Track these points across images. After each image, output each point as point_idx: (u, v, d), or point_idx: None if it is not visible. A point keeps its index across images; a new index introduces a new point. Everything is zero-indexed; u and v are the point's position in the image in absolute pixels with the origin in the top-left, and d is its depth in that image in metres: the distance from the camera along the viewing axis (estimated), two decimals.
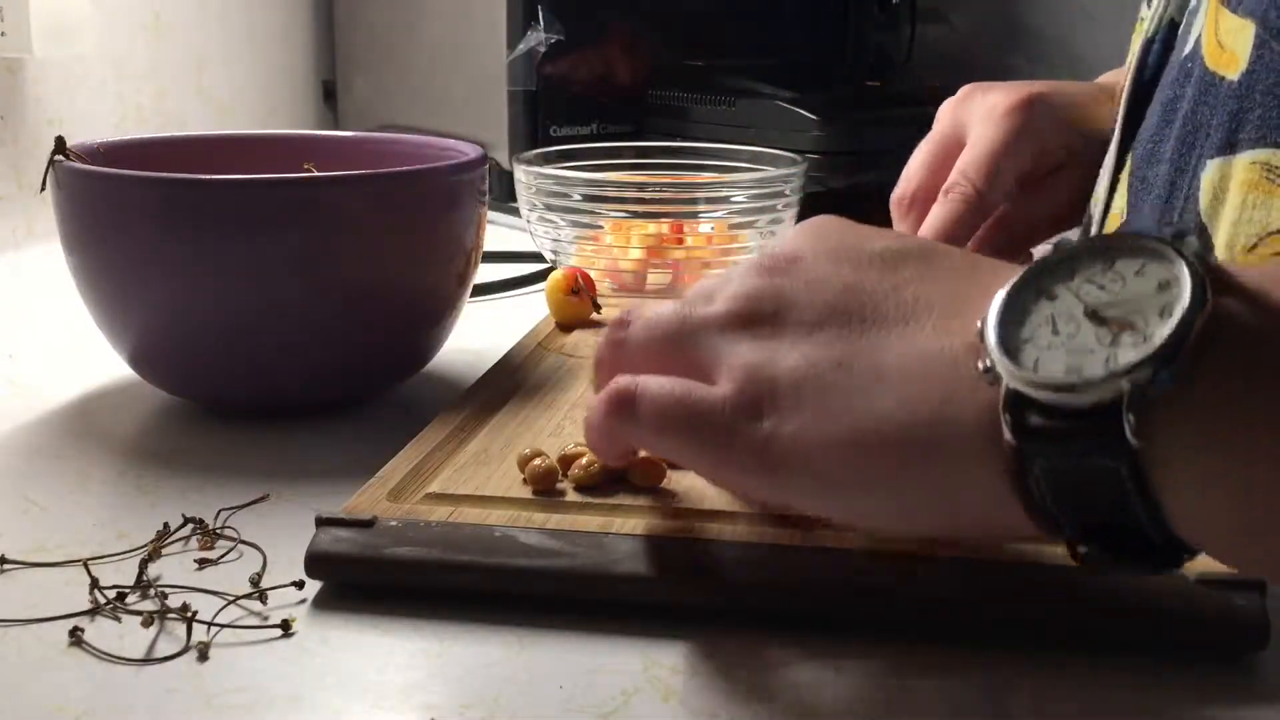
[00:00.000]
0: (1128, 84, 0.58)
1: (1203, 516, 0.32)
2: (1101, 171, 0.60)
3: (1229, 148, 0.49)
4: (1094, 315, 0.32)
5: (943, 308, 0.36)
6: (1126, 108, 0.58)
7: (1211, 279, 0.31)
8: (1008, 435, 0.32)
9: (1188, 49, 0.52)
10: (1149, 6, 0.59)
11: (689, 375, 0.38)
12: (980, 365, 0.33)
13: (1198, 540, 0.32)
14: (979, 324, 0.33)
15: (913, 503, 0.35)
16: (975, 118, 0.68)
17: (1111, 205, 0.58)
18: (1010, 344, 0.32)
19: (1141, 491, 0.31)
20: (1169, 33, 0.56)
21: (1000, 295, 0.34)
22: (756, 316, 0.38)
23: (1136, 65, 0.57)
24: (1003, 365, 0.32)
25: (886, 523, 0.37)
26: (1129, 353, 0.31)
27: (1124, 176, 0.57)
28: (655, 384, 0.39)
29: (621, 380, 0.40)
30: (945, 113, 0.71)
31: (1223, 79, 0.49)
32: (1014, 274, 0.34)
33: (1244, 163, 0.48)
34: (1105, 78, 0.73)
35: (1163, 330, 0.30)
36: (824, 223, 0.41)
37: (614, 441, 0.42)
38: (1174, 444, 0.31)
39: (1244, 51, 0.48)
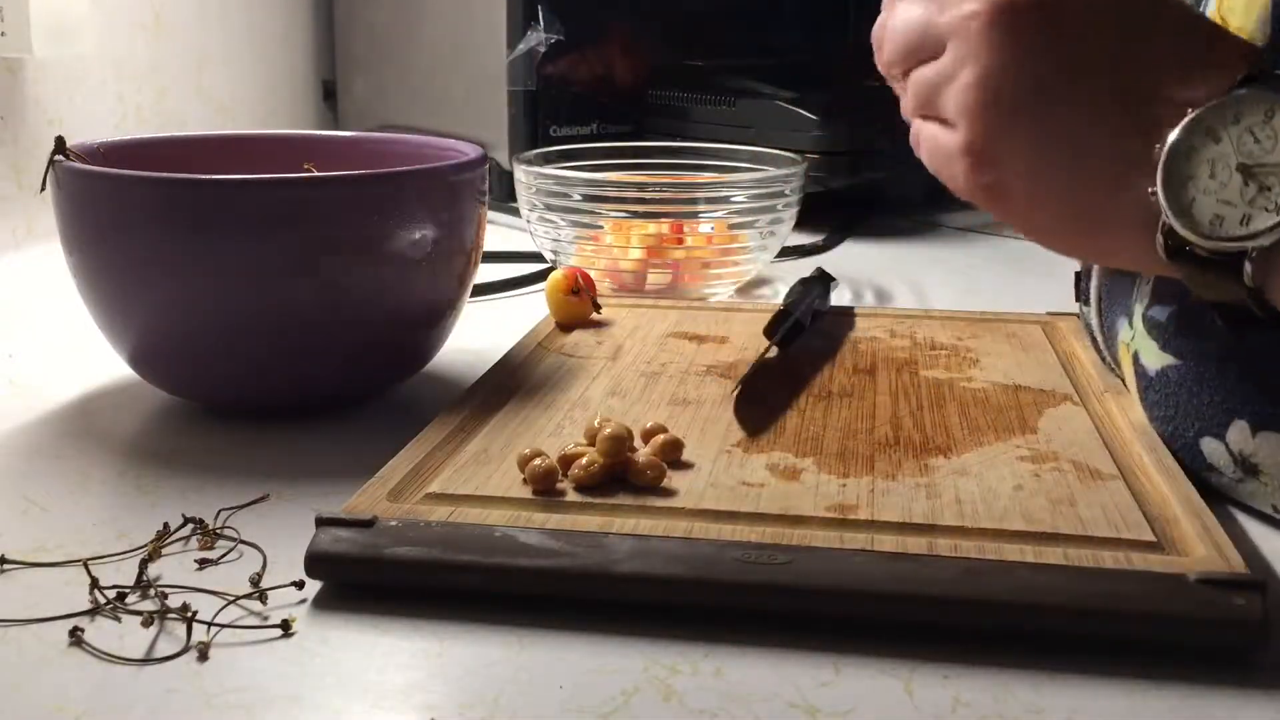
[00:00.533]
0: None
1: None
2: None
3: None
4: (1244, 169, 0.40)
5: (1139, 88, 0.43)
6: None
7: None
8: (1160, 252, 0.42)
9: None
10: None
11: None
12: (1150, 189, 0.42)
13: None
14: (1158, 149, 0.42)
15: (1088, 241, 0.46)
16: None
17: None
18: (1175, 180, 0.41)
19: (1260, 307, 0.41)
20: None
21: (1176, 130, 0.41)
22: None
23: None
24: (1165, 201, 0.41)
25: (1066, 247, 0.49)
26: (1260, 218, 0.40)
27: None
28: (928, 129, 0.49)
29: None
30: None
31: None
32: (1215, 80, 0.42)
33: None
34: None
35: None
36: None
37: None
38: None
39: (1251, 29, 0.48)
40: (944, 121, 0.47)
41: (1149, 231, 0.43)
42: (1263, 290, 0.41)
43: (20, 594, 0.42)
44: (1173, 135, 0.42)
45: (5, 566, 0.44)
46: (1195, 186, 0.41)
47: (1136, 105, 0.43)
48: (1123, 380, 0.58)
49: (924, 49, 0.48)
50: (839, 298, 0.87)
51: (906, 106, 0.50)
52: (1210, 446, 0.50)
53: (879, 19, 0.52)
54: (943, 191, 0.50)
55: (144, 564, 0.44)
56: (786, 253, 0.95)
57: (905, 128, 0.52)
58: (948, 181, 0.48)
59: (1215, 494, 0.51)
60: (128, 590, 0.42)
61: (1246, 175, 0.41)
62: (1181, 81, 0.43)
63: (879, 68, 0.53)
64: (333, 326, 0.56)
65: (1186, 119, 0.42)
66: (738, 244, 0.85)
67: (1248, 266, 0.41)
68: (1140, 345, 0.54)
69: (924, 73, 0.48)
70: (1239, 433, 0.49)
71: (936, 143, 0.48)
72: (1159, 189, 0.42)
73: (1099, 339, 0.61)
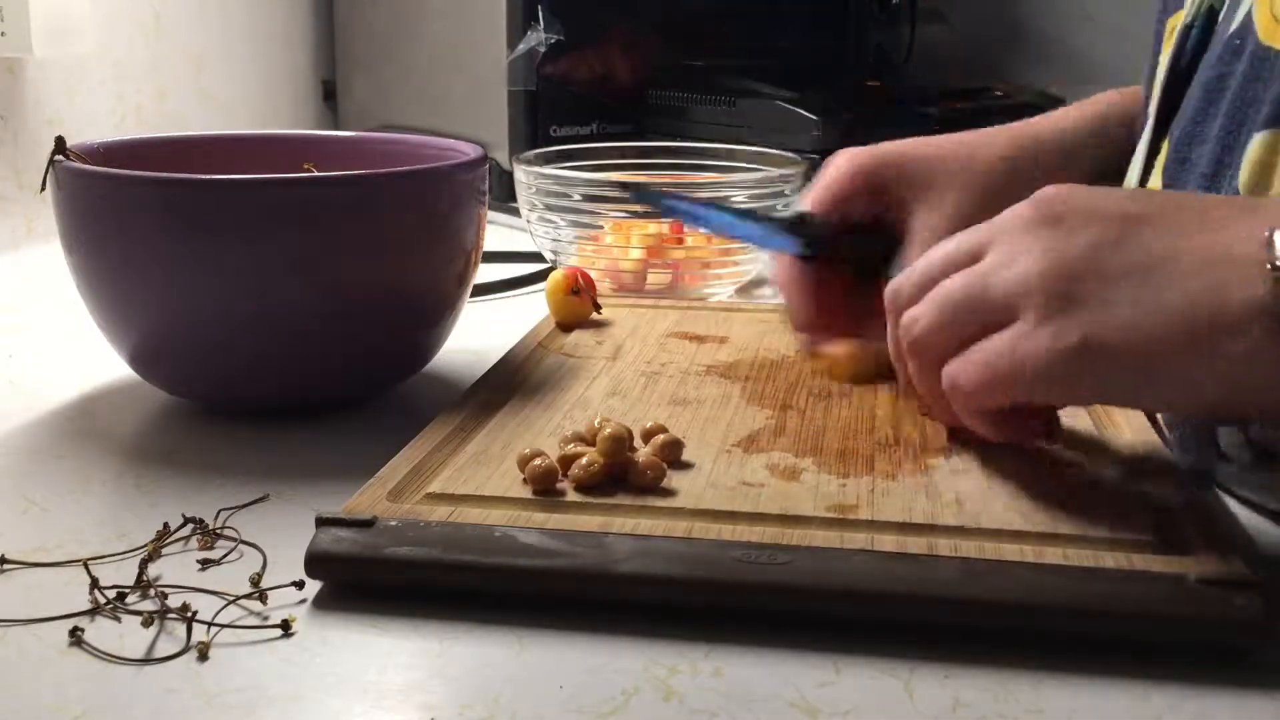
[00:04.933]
0: (1163, 69, 0.58)
1: None
2: (1134, 156, 0.60)
3: (1277, 121, 0.49)
4: None
5: (1215, 213, 0.42)
6: (1163, 92, 0.58)
7: None
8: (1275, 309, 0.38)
9: (1234, 27, 0.52)
10: None
11: (986, 328, 0.44)
12: (1269, 265, 0.39)
13: None
14: (1267, 233, 0.40)
15: (1204, 377, 0.40)
16: (824, 174, 0.66)
17: (1147, 187, 0.58)
18: None
19: None
20: (1208, 18, 0.56)
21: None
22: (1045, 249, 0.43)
23: (1174, 51, 0.57)
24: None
25: (1180, 400, 0.44)
26: None
27: (1159, 160, 0.57)
28: (963, 365, 0.44)
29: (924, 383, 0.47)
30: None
31: (1277, 52, 0.49)
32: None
33: None
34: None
35: None
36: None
37: (953, 419, 0.48)
38: None
39: None
40: (986, 331, 0.44)
41: (1269, 330, 0.39)
42: None
43: (20, 594, 0.42)
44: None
45: (5, 566, 0.44)
46: None
47: (1210, 236, 0.41)
48: None
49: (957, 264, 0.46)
50: None
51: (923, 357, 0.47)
52: (1227, 437, 0.50)
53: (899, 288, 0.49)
54: None
55: (144, 564, 0.44)
56: None
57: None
58: (1016, 384, 0.43)
59: (1221, 487, 0.51)
60: (128, 590, 0.42)
61: None
62: (1250, 211, 0.42)
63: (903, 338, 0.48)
64: (333, 326, 0.56)
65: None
66: (738, 244, 0.85)
67: None
68: None
69: (957, 278, 0.46)
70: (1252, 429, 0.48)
71: (993, 349, 0.43)
72: (1274, 242, 0.39)
73: None
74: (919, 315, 0.46)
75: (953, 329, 0.45)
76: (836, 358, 0.60)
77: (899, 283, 0.49)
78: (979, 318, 0.44)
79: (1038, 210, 0.44)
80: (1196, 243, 0.41)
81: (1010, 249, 0.44)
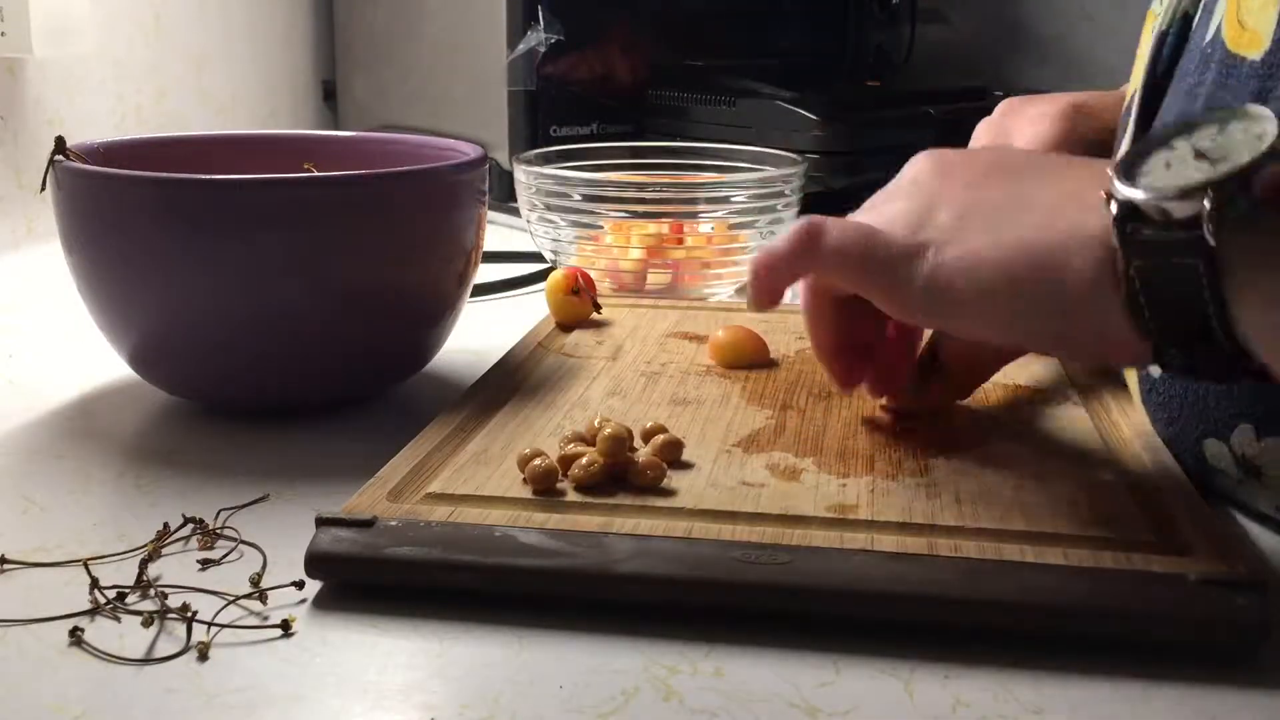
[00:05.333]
0: (1141, 76, 0.59)
1: (1263, 328, 0.38)
2: (1115, 157, 0.60)
3: None
4: (1199, 154, 0.40)
5: (1073, 168, 0.46)
6: (1142, 99, 0.58)
7: None
8: (1115, 242, 0.40)
9: (1208, 36, 0.53)
10: (1161, 1, 0.59)
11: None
12: (1103, 193, 0.41)
13: (1257, 350, 0.39)
14: (1108, 170, 0.41)
15: (1040, 309, 0.43)
16: (1020, 128, 0.69)
17: None
18: (1131, 174, 0.40)
19: (1214, 292, 0.38)
20: (1183, 25, 0.56)
21: (1124, 149, 0.42)
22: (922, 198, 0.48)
23: (1150, 58, 0.57)
24: (1121, 186, 0.40)
25: (1017, 332, 0.46)
26: (1203, 169, 0.38)
27: None
28: (839, 223, 0.48)
29: (811, 219, 0.49)
30: (984, 130, 0.72)
31: (1244, 59, 0.50)
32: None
33: None
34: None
35: (1245, 158, 0.38)
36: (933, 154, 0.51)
37: (786, 275, 0.50)
38: (1246, 258, 0.38)
39: (1267, 30, 0.49)
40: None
41: (1106, 247, 0.41)
42: (1220, 258, 0.38)
43: (20, 594, 0.42)
44: (1123, 147, 0.42)
45: (5, 566, 0.44)
46: (1150, 175, 0.40)
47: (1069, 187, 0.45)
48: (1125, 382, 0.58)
49: None
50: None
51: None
52: (1214, 449, 0.50)
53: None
54: None
55: (144, 564, 0.44)
56: None
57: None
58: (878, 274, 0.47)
59: (1216, 495, 0.51)
60: (128, 590, 0.42)
61: (1201, 157, 0.40)
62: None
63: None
64: (333, 326, 0.56)
65: (1135, 143, 0.43)
66: (738, 244, 0.85)
67: (1209, 226, 0.38)
68: None
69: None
70: (1243, 436, 0.49)
71: (860, 228, 0.48)
72: (1114, 180, 0.41)
73: None
74: (831, 226, 0.49)
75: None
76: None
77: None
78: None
79: (931, 162, 0.50)
80: (1050, 189, 0.45)
81: (904, 192, 0.49)
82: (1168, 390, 0.52)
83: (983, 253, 0.44)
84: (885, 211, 0.48)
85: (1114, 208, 0.40)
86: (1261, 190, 0.37)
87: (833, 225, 0.48)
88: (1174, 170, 0.40)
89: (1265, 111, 0.39)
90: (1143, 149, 0.41)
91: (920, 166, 0.50)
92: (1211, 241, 0.38)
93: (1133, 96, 0.60)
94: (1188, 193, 0.38)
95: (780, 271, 0.50)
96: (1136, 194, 0.40)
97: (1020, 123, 0.69)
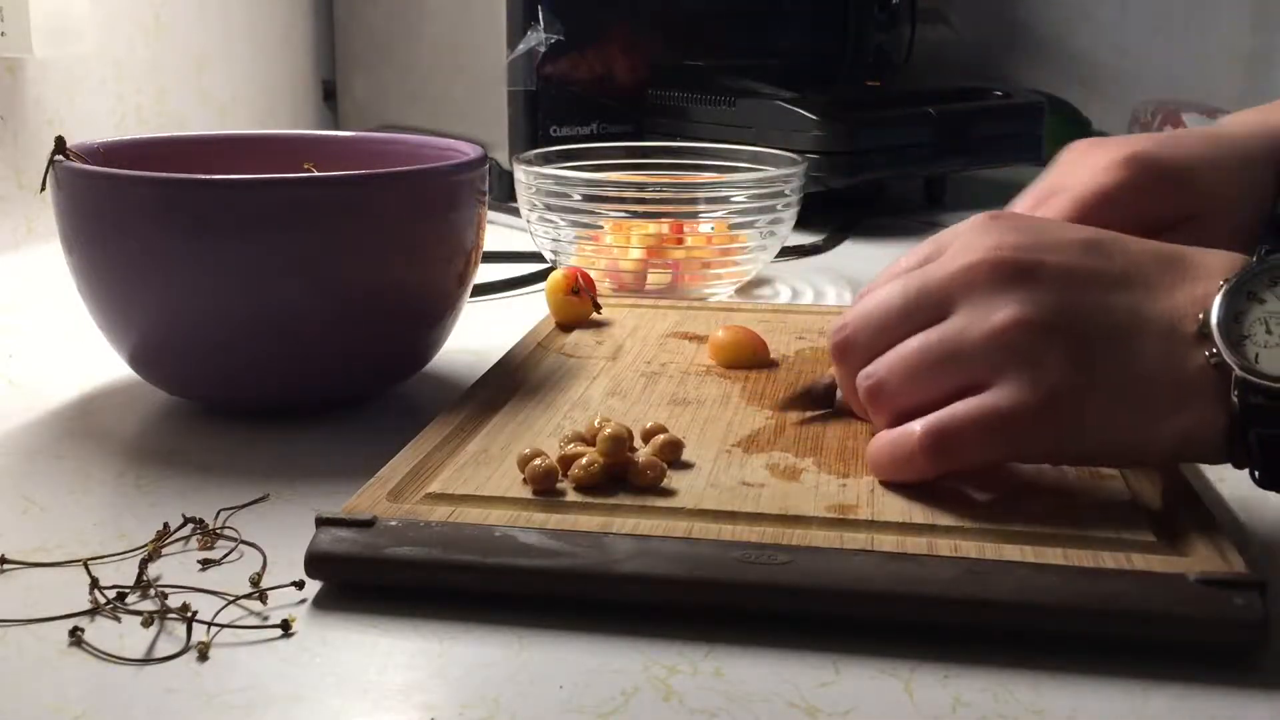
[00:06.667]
0: None
1: None
2: None
3: None
4: None
5: (1164, 285, 0.45)
6: None
7: None
8: (1237, 410, 0.42)
9: None
10: None
11: (962, 389, 0.45)
12: (1207, 354, 0.42)
13: None
14: (1200, 317, 0.43)
15: (1154, 438, 0.44)
16: (1078, 171, 0.62)
17: None
18: (1233, 338, 0.42)
19: None
20: None
21: (1218, 297, 0.43)
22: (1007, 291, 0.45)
23: None
24: (1231, 359, 0.42)
25: (1128, 458, 0.46)
26: None
27: None
28: (955, 421, 0.45)
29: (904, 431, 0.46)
30: (1055, 165, 0.65)
31: None
32: (1214, 272, 0.44)
33: None
34: (1234, 119, 0.67)
35: None
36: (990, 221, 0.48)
37: (911, 476, 0.47)
38: None
39: None
40: (960, 393, 0.45)
41: (1213, 404, 0.42)
42: None
43: (20, 594, 0.42)
44: (1216, 303, 0.42)
45: (5, 566, 0.44)
46: (1254, 344, 0.42)
47: (1157, 296, 0.44)
48: None
49: (919, 311, 0.46)
50: (841, 297, 0.87)
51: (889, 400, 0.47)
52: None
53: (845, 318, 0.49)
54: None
55: (144, 564, 0.44)
56: (786, 253, 0.95)
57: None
58: (981, 447, 0.45)
59: (1218, 495, 0.51)
60: (128, 590, 0.42)
61: None
62: (1187, 277, 0.45)
63: (842, 358, 0.50)
64: (333, 326, 0.56)
65: (1221, 290, 0.43)
66: (738, 244, 0.85)
67: None
68: None
69: (930, 336, 0.46)
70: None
71: (981, 406, 0.44)
72: (1220, 348, 0.42)
73: None
74: (883, 373, 0.47)
75: (925, 388, 0.46)
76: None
77: (851, 329, 0.49)
78: (952, 380, 0.45)
79: (1002, 265, 0.45)
80: (1156, 310, 0.44)
81: (981, 307, 0.45)
82: None
83: (1115, 424, 0.43)
84: (980, 327, 0.44)
85: (1232, 381, 0.42)
86: None
87: (949, 426, 0.45)
88: (1278, 340, 0.42)
89: None
90: (1236, 300, 0.42)
91: (996, 269, 0.45)
92: None
93: None
94: None
95: (903, 474, 0.47)
96: (1250, 378, 0.41)
97: (1078, 169, 0.62)
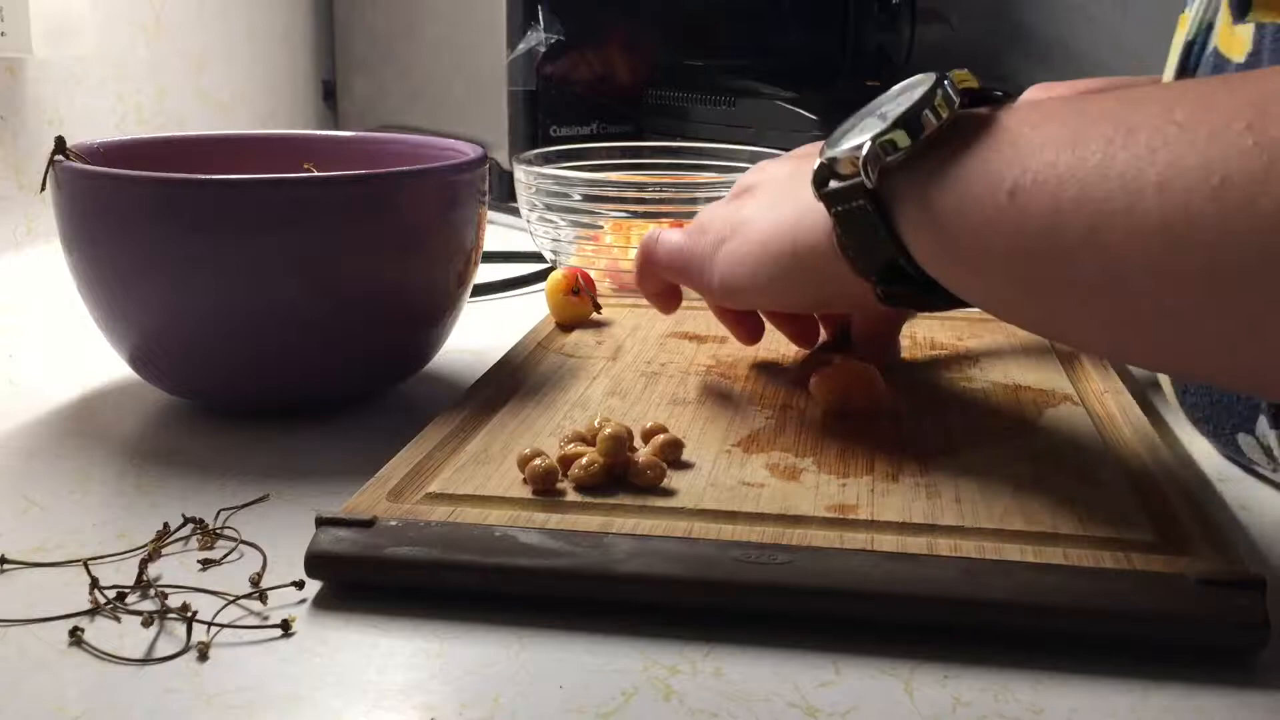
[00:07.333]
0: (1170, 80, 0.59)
1: (933, 261, 0.44)
2: None
3: None
4: (881, 116, 0.45)
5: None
6: None
7: (968, 97, 0.45)
8: (815, 195, 0.47)
9: (1213, 42, 0.53)
10: (1191, 9, 0.59)
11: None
12: (816, 161, 0.47)
13: (940, 280, 0.44)
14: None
15: (795, 280, 0.52)
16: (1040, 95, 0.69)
17: None
18: (833, 140, 0.47)
19: (889, 229, 0.44)
20: (1206, 34, 0.56)
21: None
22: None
23: (1178, 66, 0.58)
24: (825, 151, 0.47)
25: (792, 302, 0.57)
26: (875, 125, 0.45)
27: None
28: (668, 236, 0.60)
29: (649, 234, 0.61)
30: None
31: (1230, 61, 0.50)
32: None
33: None
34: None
35: (898, 112, 0.44)
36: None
37: (648, 285, 0.62)
38: (908, 195, 0.44)
39: (1247, 33, 0.49)
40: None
41: (817, 206, 0.47)
42: (882, 197, 0.44)
43: (20, 594, 0.42)
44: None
45: (5, 566, 0.44)
46: (842, 135, 0.47)
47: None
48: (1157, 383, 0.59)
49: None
50: None
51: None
52: (1245, 441, 0.51)
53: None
54: None
55: (144, 564, 0.44)
56: None
57: None
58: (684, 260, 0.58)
59: (1218, 494, 0.51)
60: (128, 590, 0.42)
61: (876, 115, 0.46)
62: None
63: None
64: (332, 326, 0.56)
65: (852, 116, 0.49)
66: None
67: (868, 170, 0.44)
68: None
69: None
70: (1263, 426, 0.49)
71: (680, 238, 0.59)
72: (824, 147, 0.47)
73: None
74: (663, 241, 0.60)
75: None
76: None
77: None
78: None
79: (758, 165, 0.59)
80: (806, 170, 0.50)
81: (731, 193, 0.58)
82: (1198, 391, 0.53)
83: (744, 246, 0.53)
84: (708, 213, 0.57)
85: (816, 167, 0.47)
86: (924, 135, 0.43)
87: (664, 239, 0.59)
88: (858, 129, 0.46)
89: (932, 75, 0.45)
90: (854, 120, 0.47)
91: (751, 170, 0.59)
92: (869, 184, 0.44)
93: None
94: (859, 146, 0.44)
95: (643, 283, 0.62)
96: (829, 154, 0.46)
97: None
